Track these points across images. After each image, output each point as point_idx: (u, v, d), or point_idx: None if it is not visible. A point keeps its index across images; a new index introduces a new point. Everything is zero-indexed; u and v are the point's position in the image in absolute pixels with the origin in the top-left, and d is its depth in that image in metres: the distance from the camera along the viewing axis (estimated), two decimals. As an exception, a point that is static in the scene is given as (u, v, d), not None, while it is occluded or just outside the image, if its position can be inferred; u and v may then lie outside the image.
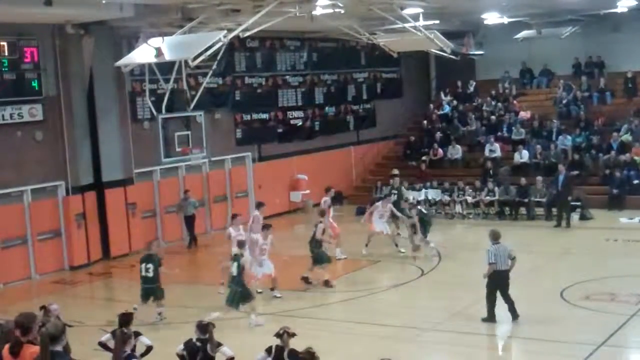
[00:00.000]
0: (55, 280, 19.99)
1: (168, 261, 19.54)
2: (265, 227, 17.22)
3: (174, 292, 18.10)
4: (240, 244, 15.52)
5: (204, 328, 10.14)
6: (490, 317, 14.20)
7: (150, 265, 15.52)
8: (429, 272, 18.58)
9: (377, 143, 32.04)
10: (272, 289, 16.84)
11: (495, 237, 14.22)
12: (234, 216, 18.58)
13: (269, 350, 9.88)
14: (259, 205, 19.39)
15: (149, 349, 10.28)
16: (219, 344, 10.07)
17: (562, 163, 24.91)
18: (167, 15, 18.45)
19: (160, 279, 15.52)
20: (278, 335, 9.92)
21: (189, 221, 23.33)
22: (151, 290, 15.47)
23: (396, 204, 21.98)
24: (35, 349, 7.57)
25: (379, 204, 20.90)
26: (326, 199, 20.85)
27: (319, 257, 17.57)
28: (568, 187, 23.53)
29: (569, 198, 23.42)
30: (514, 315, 14.20)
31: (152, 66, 18.29)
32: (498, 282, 14.03)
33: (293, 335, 9.91)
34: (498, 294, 14.12)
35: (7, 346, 7.77)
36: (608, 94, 30.03)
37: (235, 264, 14.83)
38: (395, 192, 23.49)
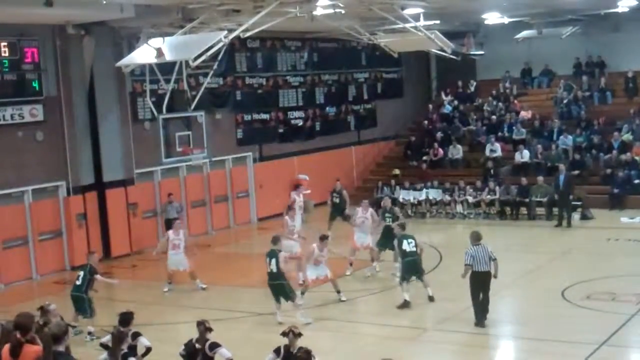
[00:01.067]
0: (56, 281, 19.98)
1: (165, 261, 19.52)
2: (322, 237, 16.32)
3: (176, 292, 18.13)
4: (275, 240, 15.31)
5: (199, 328, 10.14)
6: (479, 321, 14.05)
7: (80, 273, 15.12)
8: (429, 272, 18.54)
9: (378, 143, 32.05)
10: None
11: (475, 238, 14.10)
12: (174, 219, 18.68)
13: (277, 351, 9.80)
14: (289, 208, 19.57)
15: (148, 350, 10.27)
16: (217, 345, 10.03)
17: (562, 163, 24.90)
18: (167, 16, 18.46)
19: (87, 289, 14.84)
20: (284, 334, 9.86)
21: (170, 225, 23.10)
22: (77, 298, 14.84)
23: (338, 209, 22.43)
24: (35, 348, 7.57)
25: (359, 209, 18.95)
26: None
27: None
28: (569, 187, 23.53)
29: (570, 197, 23.43)
30: (480, 320, 13.99)
31: (152, 66, 18.32)
32: (478, 283, 13.96)
33: (299, 335, 9.84)
34: None
35: (6, 348, 7.77)
36: (609, 94, 30.02)
37: (274, 260, 14.77)
38: (337, 195, 23.16)
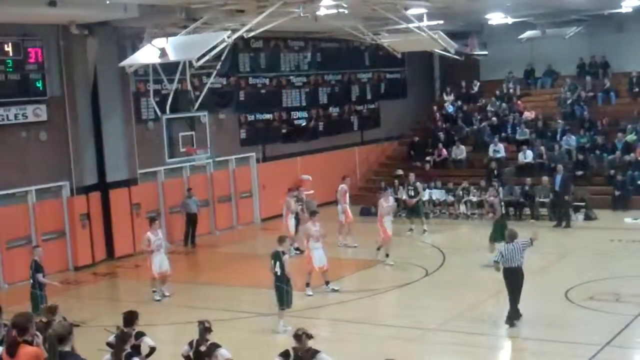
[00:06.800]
0: (59, 281, 19.92)
1: (172, 261, 19.52)
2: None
3: (179, 292, 18.14)
4: (281, 240, 15.03)
5: (199, 328, 10.10)
6: (509, 318, 14.11)
7: (30, 272, 15.31)
8: (432, 272, 18.57)
9: (382, 143, 32.04)
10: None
11: (509, 236, 14.34)
12: (152, 220, 18.24)
13: (285, 355, 9.48)
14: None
15: (152, 349, 10.26)
16: (217, 346, 9.98)
17: (563, 163, 24.83)
18: (171, 16, 18.47)
19: (40, 286, 15.08)
20: (296, 336, 9.72)
21: (192, 219, 23.37)
22: (33, 295, 14.99)
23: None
24: (31, 349, 7.59)
25: (382, 201, 19.97)
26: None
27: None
28: (566, 188, 23.52)
29: (567, 198, 23.44)
30: (512, 319, 14.01)
31: (156, 66, 18.34)
32: (507, 279, 14.10)
33: (310, 336, 9.69)
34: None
35: (4, 347, 7.81)
36: (612, 94, 29.98)
37: (278, 262, 14.54)
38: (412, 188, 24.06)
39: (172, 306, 16.96)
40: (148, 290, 17.77)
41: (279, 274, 14.47)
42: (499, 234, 18.00)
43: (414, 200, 23.67)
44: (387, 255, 19.47)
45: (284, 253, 14.68)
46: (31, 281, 15.29)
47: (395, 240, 21.96)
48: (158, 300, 17.30)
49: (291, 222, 21.31)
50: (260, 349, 13.77)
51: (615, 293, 15.64)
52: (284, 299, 14.50)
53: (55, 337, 7.45)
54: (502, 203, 20.53)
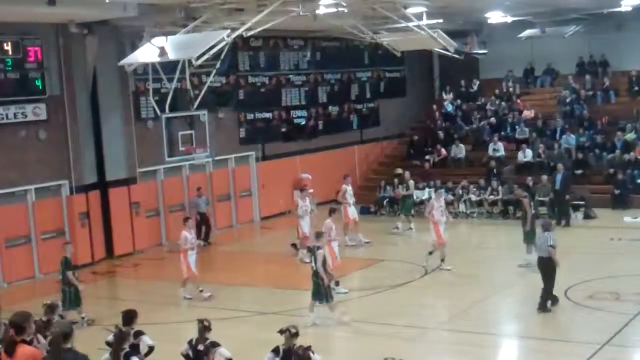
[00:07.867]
0: (59, 280, 19.94)
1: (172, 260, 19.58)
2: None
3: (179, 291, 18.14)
4: (318, 235, 15.26)
5: (198, 326, 10.10)
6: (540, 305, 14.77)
7: (60, 268, 15.51)
8: (432, 271, 18.55)
9: (381, 142, 32.03)
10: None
11: (543, 226, 15.36)
12: (186, 219, 18.18)
13: (276, 350, 9.68)
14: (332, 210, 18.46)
15: (151, 348, 10.25)
16: (217, 344, 9.98)
17: (562, 162, 24.81)
18: (170, 15, 18.46)
19: (70, 281, 15.29)
20: (281, 332, 9.79)
21: (202, 218, 23.40)
22: (64, 292, 15.24)
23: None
24: (29, 349, 7.60)
25: (432, 200, 19.59)
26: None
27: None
28: (566, 187, 23.51)
29: (567, 197, 23.42)
30: (541, 305, 14.66)
31: (155, 65, 18.31)
32: (539, 267, 15.04)
33: (296, 334, 9.77)
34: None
35: (2, 346, 7.83)
36: (612, 93, 29.96)
37: (313, 257, 14.77)
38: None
39: (172, 305, 16.96)
40: (149, 289, 17.80)
41: (314, 268, 14.68)
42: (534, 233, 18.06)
43: (401, 192, 24.12)
44: (442, 260, 18.57)
45: (318, 248, 14.83)
46: (61, 277, 15.40)
47: (393, 239, 22.04)
48: (189, 299, 17.16)
49: (302, 222, 20.61)
50: (259, 348, 13.75)
51: (615, 292, 15.65)
52: (322, 293, 14.58)
53: (60, 334, 7.47)
54: (532, 203, 20.36)
